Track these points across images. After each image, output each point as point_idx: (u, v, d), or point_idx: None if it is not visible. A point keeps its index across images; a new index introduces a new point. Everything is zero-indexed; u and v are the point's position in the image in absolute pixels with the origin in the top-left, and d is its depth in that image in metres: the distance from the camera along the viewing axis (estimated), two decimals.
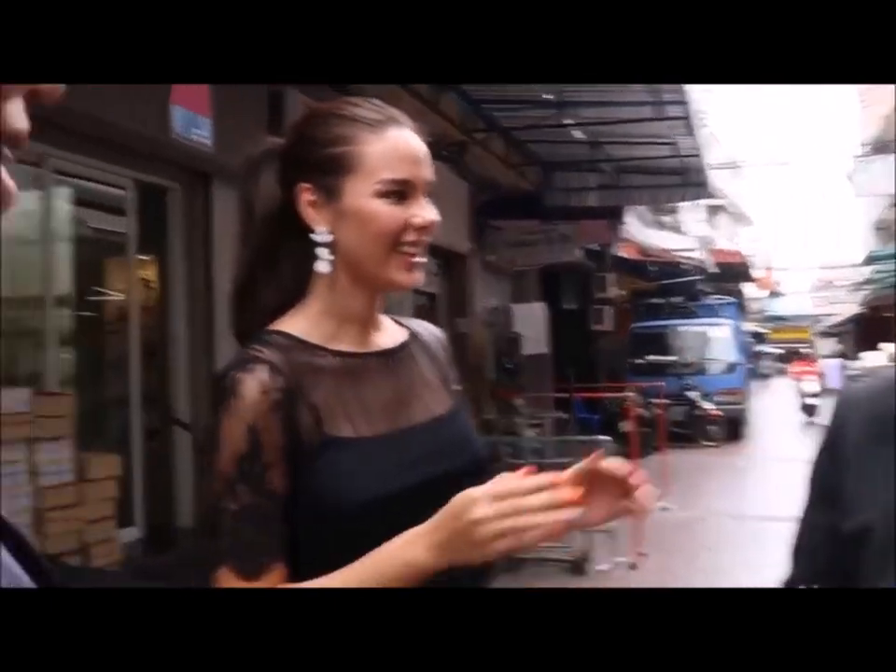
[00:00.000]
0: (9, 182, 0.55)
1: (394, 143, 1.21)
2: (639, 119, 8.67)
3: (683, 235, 21.05)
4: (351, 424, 1.19)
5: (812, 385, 19.34)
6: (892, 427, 1.06)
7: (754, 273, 26.10)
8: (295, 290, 1.27)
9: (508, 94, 8.08)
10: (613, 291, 15.01)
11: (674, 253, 17.28)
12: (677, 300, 18.20)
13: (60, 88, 0.55)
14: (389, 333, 1.33)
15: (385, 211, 1.19)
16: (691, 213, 23.86)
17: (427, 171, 1.24)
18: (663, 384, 13.42)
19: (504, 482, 1.04)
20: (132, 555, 4.82)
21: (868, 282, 26.38)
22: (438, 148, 7.78)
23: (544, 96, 8.07)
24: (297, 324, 1.24)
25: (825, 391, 19.02)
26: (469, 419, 1.37)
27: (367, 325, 1.28)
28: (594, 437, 7.41)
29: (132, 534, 5.11)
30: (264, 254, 1.28)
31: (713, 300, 19.35)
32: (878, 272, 23.73)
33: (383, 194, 1.19)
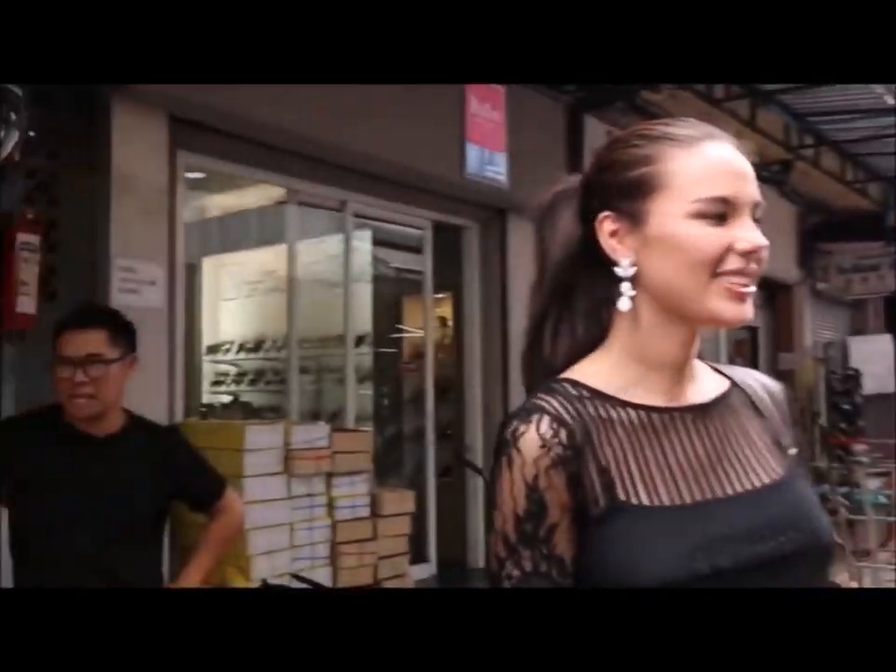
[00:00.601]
0: None
1: (710, 158, 1.08)
2: None
3: None
4: (647, 489, 1.06)
5: None
6: None
7: None
8: (593, 334, 1.15)
9: (838, 104, 7.38)
10: None
11: None
12: None
13: None
14: (706, 384, 1.17)
15: (702, 233, 1.05)
16: None
17: (753, 189, 1.08)
18: None
19: None
20: None
21: None
22: (759, 170, 7.23)
23: (888, 101, 7.25)
24: (592, 371, 1.12)
25: None
26: (809, 490, 1.16)
27: (677, 372, 1.13)
28: None
29: (425, 571, 5.17)
30: (559, 297, 1.17)
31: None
32: None
33: (698, 215, 1.06)
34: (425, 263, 5.62)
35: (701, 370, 1.18)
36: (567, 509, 1.04)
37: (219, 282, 6.57)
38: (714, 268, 1.05)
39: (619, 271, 1.10)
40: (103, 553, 2.26)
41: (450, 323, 5.99)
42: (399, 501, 4.67)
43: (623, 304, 1.10)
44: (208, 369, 6.48)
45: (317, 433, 4.32)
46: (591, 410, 1.08)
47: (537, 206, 1.21)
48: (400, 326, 6.08)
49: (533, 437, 1.04)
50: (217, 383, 6.47)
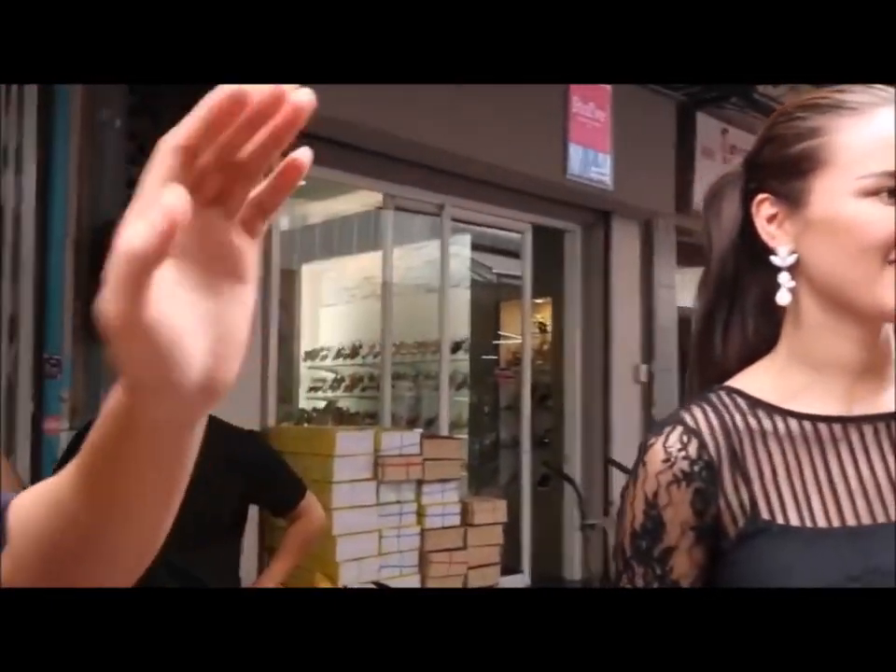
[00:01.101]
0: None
1: (885, 127, 0.94)
2: None
3: None
4: (799, 508, 0.95)
5: None
6: None
7: None
8: (765, 334, 1.04)
9: None
10: None
11: None
12: None
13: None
14: None
15: (873, 213, 0.93)
16: None
17: None
18: None
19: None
20: None
21: None
22: None
23: None
24: (756, 377, 1.02)
25: None
26: None
27: (858, 377, 0.99)
28: None
29: (517, 581, 5.10)
30: (727, 292, 1.06)
31: None
32: None
33: (868, 192, 0.93)
34: (524, 267, 5.55)
35: None
36: (692, 528, 0.97)
37: (319, 288, 6.68)
38: (887, 254, 0.93)
39: (776, 260, 1.00)
40: (182, 555, 2.30)
41: (549, 329, 5.91)
42: (491, 510, 4.62)
43: (782, 298, 0.99)
44: (306, 374, 6.60)
45: (408, 440, 4.32)
46: (743, 421, 0.99)
47: (706, 192, 1.11)
48: (499, 332, 6.03)
49: (658, 450, 0.98)
50: (314, 388, 6.58)
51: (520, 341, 5.61)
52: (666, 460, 0.97)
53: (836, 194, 0.95)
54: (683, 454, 0.97)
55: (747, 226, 1.03)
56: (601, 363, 5.54)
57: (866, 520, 0.95)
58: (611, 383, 5.48)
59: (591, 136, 5.29)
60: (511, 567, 5.05)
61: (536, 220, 5.54)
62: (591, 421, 5.53)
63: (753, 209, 1.01)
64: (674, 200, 5.80)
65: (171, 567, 2.27)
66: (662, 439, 0.98)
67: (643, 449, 0.99)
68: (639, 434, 5.60)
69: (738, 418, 0.99)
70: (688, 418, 0.98)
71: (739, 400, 1.00)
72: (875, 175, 0.93)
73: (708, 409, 0.99)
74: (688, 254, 6.37)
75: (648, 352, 5.70)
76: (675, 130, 5.85)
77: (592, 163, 5.30)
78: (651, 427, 1.02)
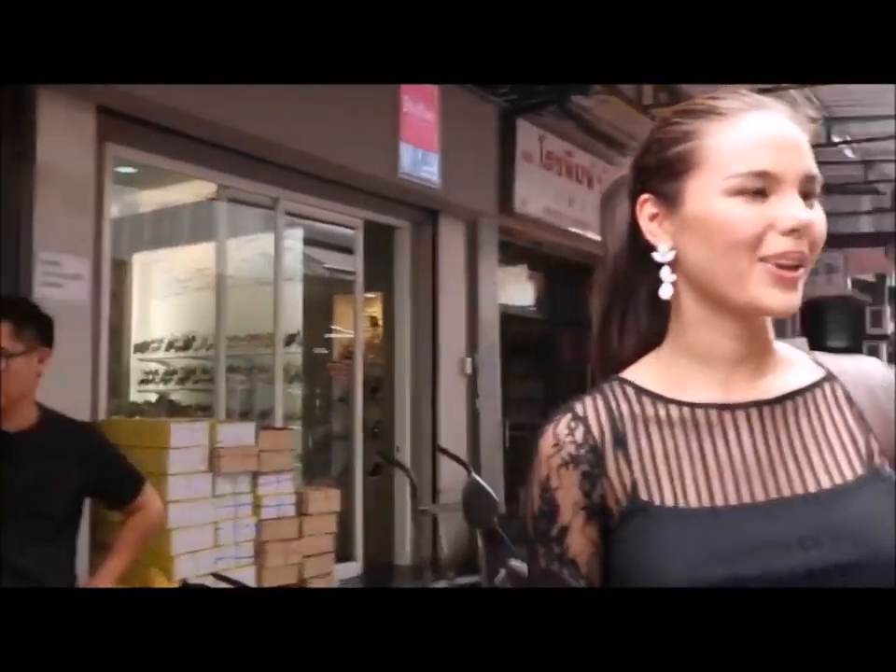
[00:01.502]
0: None
1: (750, 130, 1.00)
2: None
3: None
4: (675, 490, 1.00)
5: None
6: None
7: None
8: (658, 328, 1.08)
9: None
10: (891, 327, 13.65)
11: None
12: None
13: None
14: (784, 376, 1.07)
15: (739, 212, 0.97)
16: None
17: (802, 162, 0.99)
18: None
19: None
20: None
21: None
22: None
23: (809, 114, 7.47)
24: (645, 368, 1.08)
25: None
26: (887, 500, 1.03)
27: (737, 366, 1.04)
28: None
29: (350, 569, 5.21)
30: (621, 290, 1.11)
31: None
32: None
33: (735, 191, 0.97)
34: (356, 263, 5.65)
35: (787, 361, 1.08)
36: (582, 508, 1.01)
37: (150, 279, 6.51)
38: (754, 250, 0.97)
39: (656, 256, 1.05)
40: (16, 552, 2.24)
41: (380, 323, 6.04)
42: (325, 500, 4.69)
43: (663, 292, 1.05)
44: (136, 367, 6.42)
45: (243, 431, 4.33)
46: (628, 408, 1.05)
47: (601, 195, 1.16)
48: (331, 325, 6.11)
49: (549, 436, 1.03)
50: (145, 381, 6.41)
51: (352, 335, 5.70)
52: (555, 445, 1.02)
53: (707, 194, 0.99)
54: (570, 438, 1.02)
55: (636, 226, 1.07)
56: (429, 356, 5.72)
57: (733, 500, 0.99)
58: (439, 375, 5.68)
59: (421, 136, 5.45)
60: (344, 554, 5.15)
61: (368, 216, 5.65)
62: (420, 412, 5.71)
63: (637, 209, 1.06)
64: (497, 201, 6.06)
65: (10, 566, 2.21)
66: (552, 426, 1.03)
67: (538, 437, 1.04)
68: (466, 423, 5.84)
69: (624, 406, 1.04)
70: (578, 406, 1.05)
71: (628, 390, 1.05)
72: (741, 175, 0.97)
73: (598, 398, 1.05)
74: (510, 253, 6.68)
75: (472, 345, 5.94)
76: (497, 134, 6.11)
77: (422, 162, 5.46)
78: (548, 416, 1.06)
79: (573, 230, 6.38)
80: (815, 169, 0.99)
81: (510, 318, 6.52)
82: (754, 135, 0.99)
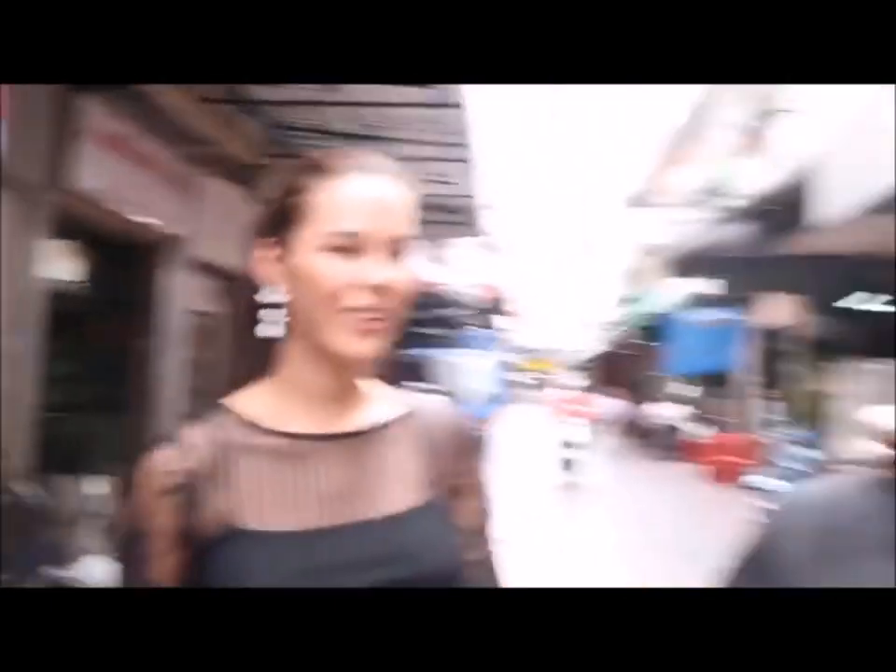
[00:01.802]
0: None
1: (349, 190, 1.08)
2: (423, 157, 9.05)
3: (447, 268, 21.97)
4: (264, 515, 1.05)
5: (579, 430, 15.40)
6: (842, 542, 0.84)
7: (510, 306, 27.67)
8: (264, 363, 1.15)
9: (299, 121, 8.21)
10: None
11: (439, 285, 18.02)
12: (439, 330, 18.99)
13: None
14: (372, 412, 1.17)
15: (328, 267, 1.06)
16: (455, 247, 24.95)
17: (392, 225, 1.08)
18: None
19: None
20: None
21: (618, 322, 28.92)
22: (230, 169, 7.74)
23: (335, 128, 8.25)
24: (251, 398, 1.14)
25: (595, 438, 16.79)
26: (446, 519, 1.15)
27: (335, 401, 1.13)
28: None
29: None
30: (241, 327, 1.17)
31: (474, 331, 20.41)
32: (628, 313, 26.21)
33: (329, 248, 1.06)
34: None
35: (379, 397, 1.18)
36: (174, 535, 1.04)
37: None
38: (337, 302, 1.06)
39: (262, 296, 1.12)
40: None
41: None
42: None
43: (265, 330, 1.12)
44: None
45: None
46: (227, 436, 1.08)
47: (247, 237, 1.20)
48: None
49: (149, 464, 1.06)
50: None
51: None
52: (153, 472, 1.05)
53: (308, 247, 1.07)
54: (168, 467, 1.05)
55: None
56: None
57: (318, 524, 1.06)
58: None
59: None
60: None
61: None
62: None
63: (258, 250, 1.13)
64: (51, 176, 5.84)
65: None
66: (155, 454, 1.07)
67: (141, 462, 1.07)
68: None
69: (224, 435, 1.08)
70: (179, 434, 1.08)
71: (230, 418, 1.11)
72: (335, 233, 1.06)
73: (202, 426, 1.09)
74: (63, 229, 6.45)
75: (10, 321, 5.67)
76: (57, 109, 5.87)
77: None
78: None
79: (130, 212, 6.41)
80: (405, 230, 1.09)
81: (55, 295, 6.30)
82: (351, 197, 1.07)
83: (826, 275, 10.01)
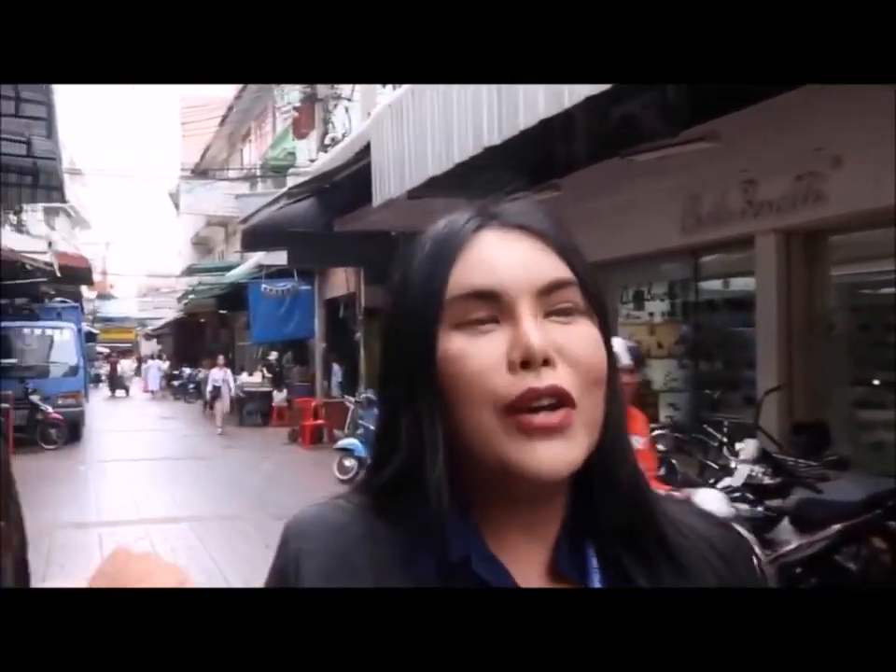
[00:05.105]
0: None
1: None
2: None
3: (26, 235, 20.59)
4: None
5: None
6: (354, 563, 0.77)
7: (93, 276, 26.50)
8: None
9: None
10: None
11: (18, 253, 16.96)
12: (20, 301, 17.85)
13: None
14: None
15: None
16: (33, 213, 23.41)
17: None
18: (10, 392, 13.56)
19: None
20: None
21: (188, 291, 28.88)
22: None
23: None
24: None
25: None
26: None
27: None
28: None
29: None
30: None
31: (56, 302, 19.34)
32: (197, 282, 26.39)
33: None
34: None
35: None
36: None
37: None
38: None
39: None
40: None
41: None
42: None
43: None
44: None
45: None
46: None
47: None
48: None
49: None
50: None
51: None
52: None
53: None
54: None
55: None
56: None
57: None
58: None
59: None
60: None
61: None
62: None
63: None
64: None
65: None
66: None
67: None
68: None
69: None
70: None
71: None
72: None
73: None
74: None
75: None
76: None
77: None
78: None
79: None
80: None
81: None
82: None
83: (375, 250, 11.26)
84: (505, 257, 0.76)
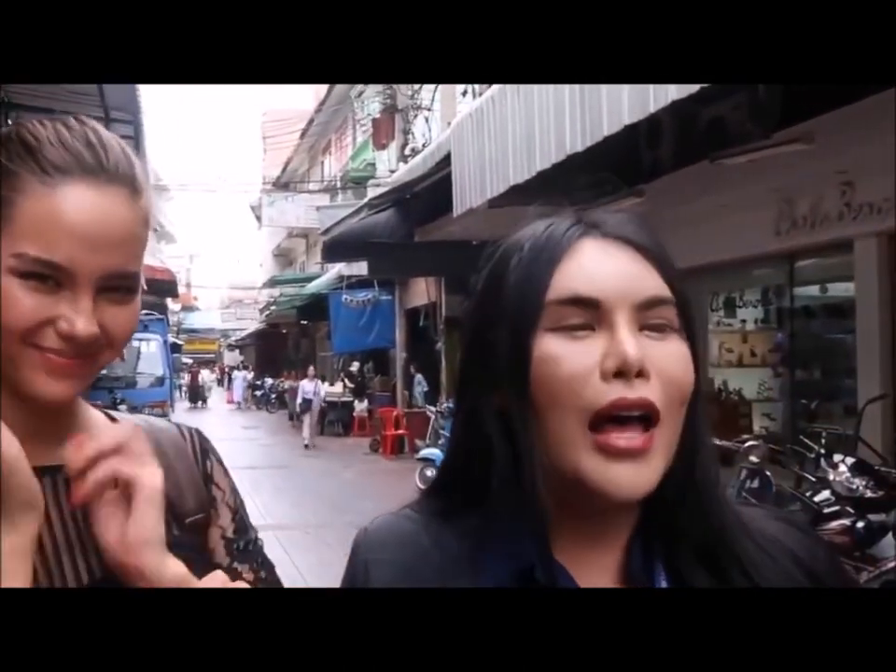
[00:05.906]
0: None
1: (61, 205, 0.81)
2: None
3: None
4: None
5: None
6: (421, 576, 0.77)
7: (178, 289, 27.23)
8: None
9: None
10: None
11: None
12: None
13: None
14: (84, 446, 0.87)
15: (17, 297, 0.82)
16: None
17: (110, 258, 0.83)
18: (99, 402, 13.79)
19: None
20: None
21: (270, 303, 29.44)
22: None
23: None
24: None
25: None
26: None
27: (44, 434, 0.89)
28: None
29: None
30: None
31: (142, 314, 19.74)
32: (279, 294, 26.86)
33: (20, 273, 0.81)
34: None
35: (96, 431, 0.91)
36: None
37: None
38: (24, 338, 0.82)
39: None
40: None
41: None
42: None
43: None
44: None
45: None
46: None
47: None
48: None
49: None
50: None
51: None
52: None
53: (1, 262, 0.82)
54: None
55: None
56: None
57: None
58: None
59: None
60: None
61: None
62: None
63: None
64: None
65: None
66: None
67: None
68: None
69: None
70: None
71: None
72: (24, 258, 0.81)
73: None
74: None
75: None
76: None
77: None
78: None
79: None
80: (124, 266, 0.85)
81: None
82: (60, 215, 0.81)
83: (456, 260, 11.25)
84: (607, 267, 0.75)
